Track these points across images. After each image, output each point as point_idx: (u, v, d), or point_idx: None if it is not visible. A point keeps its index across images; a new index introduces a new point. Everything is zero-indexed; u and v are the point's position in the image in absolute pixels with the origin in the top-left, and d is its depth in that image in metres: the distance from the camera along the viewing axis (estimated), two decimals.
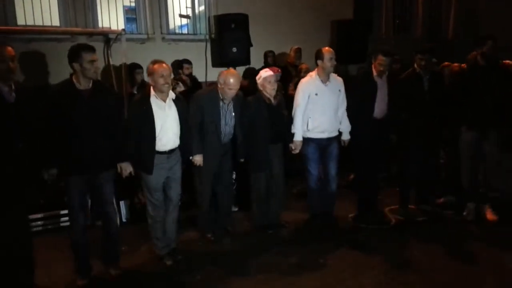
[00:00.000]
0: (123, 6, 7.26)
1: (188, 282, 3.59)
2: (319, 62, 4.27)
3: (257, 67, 6.45)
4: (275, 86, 4.18)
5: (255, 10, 6.96)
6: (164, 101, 3.64)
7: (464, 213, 4.56)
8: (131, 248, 4.14)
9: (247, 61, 6.41)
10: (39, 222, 4.53)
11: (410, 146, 4.62)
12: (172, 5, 6.89)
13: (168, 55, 6.44)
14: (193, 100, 4.08)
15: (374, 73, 4.48)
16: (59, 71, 4.82)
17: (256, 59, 6.80)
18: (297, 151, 4.36)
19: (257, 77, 4.27)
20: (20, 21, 6.01)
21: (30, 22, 6.05)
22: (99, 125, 3.33)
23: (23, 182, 3.16)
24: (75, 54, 3.24)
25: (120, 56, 5.58)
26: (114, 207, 3.70)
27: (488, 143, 4.33)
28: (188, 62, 6.01)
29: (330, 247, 4.10)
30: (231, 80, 3.89)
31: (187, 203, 4.72)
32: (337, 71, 5.10)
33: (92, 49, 3.30)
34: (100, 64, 6.01)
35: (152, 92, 3.62)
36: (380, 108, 4.53)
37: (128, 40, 5.91)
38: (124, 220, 4.77)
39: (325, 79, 4.33)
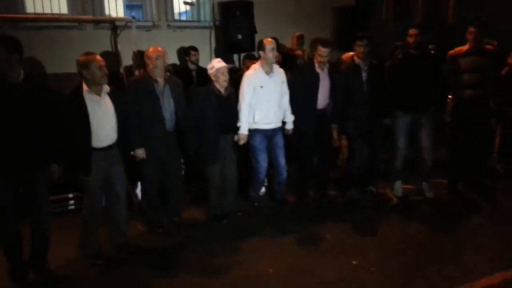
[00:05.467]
0: None
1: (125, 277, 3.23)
2: (261, 53, 4.00)
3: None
4: (227, 78, 3.86)
5: None
6: (99, 95, 3.19)
7: (393, 191, 4.55)
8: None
9: (252, 48, 5.93)
10: None
11: (350, 136, 4.48)
12: None
13: (173, 42, 6.25)
14: (127, 89, 3.69)
15: (315, 64, 4.22)
16: (68, 58, 4.57)
17: None
18: (242, 143, 4.05)
19: (209, 67, 3.87)
20: (29, 9, 5.99)
21: (38, 10, 6.04)
22: (29, 123, 2.91)
23: None
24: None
25: (129, 44, 5.33)
26: (48, 208, 3.22)
27: (422, 126, 4.30)
28: (194, 48, 5.68)
29: (278, 234, 3.85)
30: (150, 51, 3.60)
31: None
32: (338, 57, 5.06)
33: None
34: (107, 52, 6.22)
35: (85, 87, 3.15)
36: (322, 99, 4.28)
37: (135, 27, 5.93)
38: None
39: (268, 70, 4.05)
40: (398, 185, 4.55)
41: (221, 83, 3.86)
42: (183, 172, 4.35)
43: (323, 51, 4.11)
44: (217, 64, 3.84)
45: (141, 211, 4.10)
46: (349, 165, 4.63)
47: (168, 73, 3.90)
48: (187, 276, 3.22)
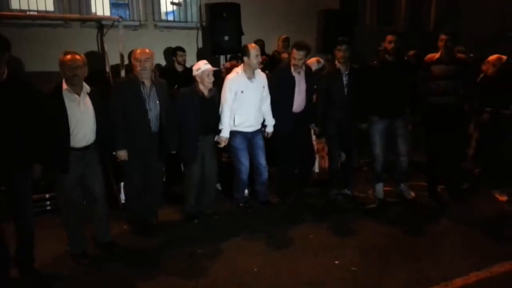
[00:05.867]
0: None
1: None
2: (245, 58, 4.03)
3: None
4: (212, 80, 3.89)
5: None
6: (78, 94, 3.17)
7: (375, 194, 4.61)
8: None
9: (238, 49, 5.82)
10: None
11: (330, 137, 4.55)
12: None
13: (160, 42, 6.25)
14: (113, 90, 3.69)
15: (291, 67, 4.25)
16: (53, 56, 4.76)
17: None
18: (223, 145, 4.12)
19: (195, 68, 3.89)
20: (15, 5, 5.91)
21: (24, 7, 5.95)
22: (10, 123, 2.89)
23: None
24: None
25: (116, 43, 5.26)
26: (31, 207, 3.21)
27: (398, 129, 4.40)
28: (181, 49, 5.69)
29: (261, 235, 3.87)
30: (138, 52, 3.60)
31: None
32: (324, 60, 5.15)
33: None
34: (93, 51, 6.13)
35: (64, 85, 3.13)
36: (298, 102, 4.33)
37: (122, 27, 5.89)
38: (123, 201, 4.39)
39: (250, 75, 4.09)
40: (379, 187, 4.63)
41: (206, 85, 3.88)
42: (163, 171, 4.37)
43: (297, 54, 4.15)
44: (204, 66, 3.86)
45: (125, 211, 4.10)
46: (329, 166, 4.72)
47: (154, 74, 3.90)
48: (171, 276, 3.22)
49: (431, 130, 4.49)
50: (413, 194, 4.65)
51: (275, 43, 6.88)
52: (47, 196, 4.33)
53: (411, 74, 4.40)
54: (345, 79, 4.35)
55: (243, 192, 4.47)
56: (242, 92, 4.06)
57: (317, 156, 5.19)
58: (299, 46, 4.18)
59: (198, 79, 3.89)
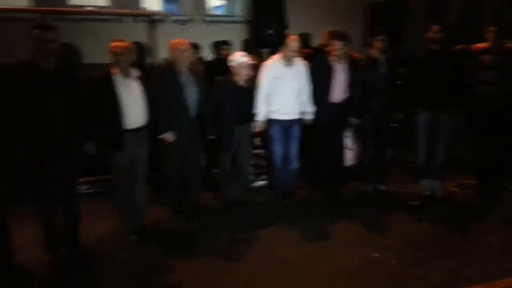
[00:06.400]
0: None
1: (152, 259, 3.34)
2: (284, 48, 4.06)
3: None
4: (248, 73, 3.95)
5: None
6: (128, 78, 3.38)
7: (421, 190, 4.45)
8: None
9: (282, 43, 6.50)
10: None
11: (367, 130, 4.47)
12: None
13: (206, 36, 6.32)
14: (154, 78, 3.80)
15: (331, 58, 4.24)
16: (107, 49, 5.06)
17: None
18: (257, 130, 4.18)
19: (231, 58, 3.97)
20: (73, 1, 6.31)
21: (81, 2, 6.35)
22: (61, 106, 3.03)
23: None
24: (32, 33, 2.94)
25: (165, 37, 5.84)
26: (76, 188, 3.41)
27: (441, 123, 4.23)
28: (225, 43, 5.77)
29: (295, 224, 3.89)
30: (176, 43, 3.75)
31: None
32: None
33: (43, 27, 2.96)
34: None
35: (115, 70, 3.34)
36: (338, 92, 4.29)
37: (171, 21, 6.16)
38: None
39: (288, 63, 4.09)
40: (425, 183, 4.49)
41: (242, 77, 3.95)
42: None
43: (338, 44, 4.14)
44: (240, 58, 3.91)
45: (165, 195, 4.23)
46: (363, 159, 4.64)
47: (193, 64, 4.02)
48: (205, 259, 3.31)
49: (478, 124, 4.30)
50: (442, 193, 4.46)
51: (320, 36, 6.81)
52: (102, 178, 4.58)
53: (457, 64, 4.25)
54: (381, 70, 4.28)
55: (280, 180, 4.45)
56: (278, 78, 4.09)
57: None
58: (339, 37, 4.17)
59: (233, 70, 3.95)
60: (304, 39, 6.50)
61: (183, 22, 6.47)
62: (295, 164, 4.34)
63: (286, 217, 4.08)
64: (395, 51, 4.73)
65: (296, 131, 4.28)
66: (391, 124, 4.51)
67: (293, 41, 4.03)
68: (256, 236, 3.70)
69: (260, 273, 3.12)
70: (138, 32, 6.05)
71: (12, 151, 3.01)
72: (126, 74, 3.38)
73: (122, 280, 3.09)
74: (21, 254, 3.23)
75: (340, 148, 4.64)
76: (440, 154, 4.34)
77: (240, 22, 6.76)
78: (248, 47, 6.70)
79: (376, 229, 3.83)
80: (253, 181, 4.78)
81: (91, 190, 4.60)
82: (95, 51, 5.59)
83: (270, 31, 6.16)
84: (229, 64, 3.97)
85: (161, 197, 4.24)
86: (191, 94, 3.79)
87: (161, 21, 5.85)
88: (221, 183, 4.24)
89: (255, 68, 4.18)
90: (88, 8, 6.06)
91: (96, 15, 5.97)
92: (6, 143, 3.00)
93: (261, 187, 4.84)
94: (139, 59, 5.20)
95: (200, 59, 5.39)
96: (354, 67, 4.38)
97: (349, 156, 4.93)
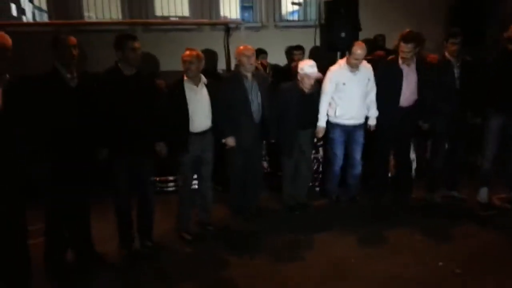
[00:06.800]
0: None
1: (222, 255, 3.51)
2: (348, 54, 4.05)
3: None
4: (313, 82, 4.00)
5: None
6: (197, 85, 3.60)
7: (478, 198, 4.28)
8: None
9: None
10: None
11: (438, 134, 4.32)
12: None
13: (280, 41, 6.50)
14: (221, 84, 3.99)
15: (399, 60, 4.12)
16: None
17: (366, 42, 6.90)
18: (320, 135, 4.20)
19: (299, 66, 4.01)
20: (158, 12, 6.89)
21: (165, 13, 6.92)
22: (141, 109, 3.29)
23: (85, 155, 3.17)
24: (118, 43, 3.23)
25: (239, 44, 6.12)
26: (152, 188, 3.68)
27: None
28: (297, 48, 5.85)
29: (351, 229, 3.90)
30: (243, 49, 3.89)
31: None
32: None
33: (133, 38, 3.25)
34: (221, 52, 6.80)
35: (185, 77, 3.59)
36: (406, 96, 4.16)
37: (245, 28, 6.45)
38: None
39: (353, 68, 4.06)
40: (484, 192, 4.29)
41: (306, 86, 4.01)
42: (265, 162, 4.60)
43: (405, 47, 4.02)
44: (307, 68, 3.95)
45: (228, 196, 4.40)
46: (431, 165, 4.46)
47: (258, 69, 4.17)
48: (263, 258, 3.43)
49: None
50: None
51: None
52: (170, 178, 4.93)
53: None
54: (456, 72, 4.12)
55: (336, 184, 4.45)
56: (344, 84, 4.08)
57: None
58: (406, 39, 4.03)
59: (299, 78, 4.03)
60: (379, 41, 6.42)
61: (257, 29, 6.71)
62: (359, 169, 4.32)
63: (346, 221, 4.10)
64: (476, 52, 4.50)
65: (360, 136, 4.26)
66: (465, 128, 4.28)
67: (358, 48, 3.99)
68: (315, 238, 3.78)
69: (315, 274, 3.22)
70: (216, 40, 6.44)
71: (98, 149, 3.26)
72: (195, 82, 3.62)
73: (183, 272, 3.33)
74: (98, 246, 3.50)
75: (407, 154, 4.53)
76: (510, 162, 4.08)
77: (314, 26, 6.82)
78: (321, 51, 6.76)
79: (441, 239, 3.74)
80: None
81: (166, 189, 4.95)
82: (178, 59, 6.11)
83: (343, 34, 6.17)
84: (298, 70, 4.06)
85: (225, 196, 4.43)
86: (255, 98, 3.94)
87: (237, 28, 6.15)
88: (283, 186, 4.34)
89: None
90: (171, 19, 6.57)
91: (178, 25, 6.44)
92: (92, 140, 3.23)
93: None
94: (211, 65, 5.57)
95: (267, 64, 5.59)
96: (426, 69, 4.23)
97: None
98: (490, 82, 4.01)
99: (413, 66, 4.17)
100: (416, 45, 4.07)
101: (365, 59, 5.26)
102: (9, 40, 2.73)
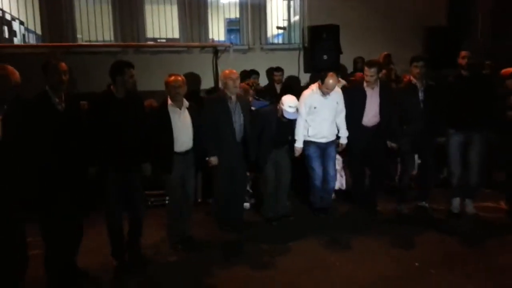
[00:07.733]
0: (224, 19, 7.97)
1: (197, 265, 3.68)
2: (321, 82, 4.32)
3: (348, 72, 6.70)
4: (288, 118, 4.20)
5: (348, 19, 6.94)
6: (180, 108, 3.78)
7: (450, 208, 4.56)
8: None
9: (337, 67, 6.38)
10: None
11: (404, 152, 4.62)
12: (271, 18, 7.20)
13: (265, 63, 6.88)
14: (205, 105, 4.19)
15: (364, 83, 4.47)
16: None
17: (347, 64, 6.89)
18: (297, 154, 4.46)
19: (281, 100, 4.23)
20: (149, 34, 7.14)
21: (156, 35, 7.16)
22: (131, 129, 3.46)
23: (76, 176, 3.29)
24: (118, 69, 3.40)
25: (228, 65, 5.92)
26: (141, 201, 3.83)
27: (473, 144, 4.33)
28: (277, 69, 6.28)
29: (329, 238, 4.14)
30: (229, 72, 4.12)
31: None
32: (429, 76, 5.08)
33: (132, 66, 3.48)
34: (209, 73, 6.88)
35: (169, 101, 3.77)
36: (368, 116, 4.51)
37: (233, 51, 6.75)
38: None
39: (324, 93, 4.37)
40: (456, 202, 4.55)
41: (284, 114, 4.19)
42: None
43: (368, 71, 4.35)
44: (287, 108, 4.14)
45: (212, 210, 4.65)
46: (400, 180, 4.77)
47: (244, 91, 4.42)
48: (246, 268, 3.60)
49: (509, 147, 4.26)
50: (474, 211, 4.58)
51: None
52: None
53: (488, 89, 4.33)
54: (421, 95, 4.41)
55: (318, 197, 4.66)
56: (315, 107, 4.38)
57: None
58: (370, 64, 4.42)
59: (279, 106, 4.26)
60: (358, 63, 6.76)
61: (244, 51, 7.00)
62: (332, 184, 4.59)
63: (323, 229, 4.37)
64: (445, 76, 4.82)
65: (332, 151, 4.56)
66: (432, 145, 4.60)
67: (330, 79, 4.27)
68: (298, 246, 4.03)
69: (302, 278, 3.43)
70: (205, 61, 6.71)
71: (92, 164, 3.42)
72: (179, 105, 3.81)
73: (169, 280, 3.51)
74: (87, 258, 3.62)
75: (378, 168, 4.81)
76: (473, 173, 4.41)
77: (297, 49, 7.16)
78: (304, 72, 7.07)
79: (414, 244, 4.04)
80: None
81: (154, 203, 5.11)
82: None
83: (325, 57, 6.51)
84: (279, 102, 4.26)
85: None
86: (238, 119, 4.17)
87: (225, 50, 6.43)
88: (263, 200, 4.59)
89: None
90: (162, 42, 6.83)
91: (168, 47, 6.69)
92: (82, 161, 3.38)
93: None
94: (195, 88, 5.80)
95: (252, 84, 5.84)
96: (390, 92, 4.58)
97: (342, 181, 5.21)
98: (449, 105, 4.33)
99: (376, 89, 4.50)
100: (379, 70, 4.46)
101: (346, 80, 5.63)
102: (15, 74, 2.84)
